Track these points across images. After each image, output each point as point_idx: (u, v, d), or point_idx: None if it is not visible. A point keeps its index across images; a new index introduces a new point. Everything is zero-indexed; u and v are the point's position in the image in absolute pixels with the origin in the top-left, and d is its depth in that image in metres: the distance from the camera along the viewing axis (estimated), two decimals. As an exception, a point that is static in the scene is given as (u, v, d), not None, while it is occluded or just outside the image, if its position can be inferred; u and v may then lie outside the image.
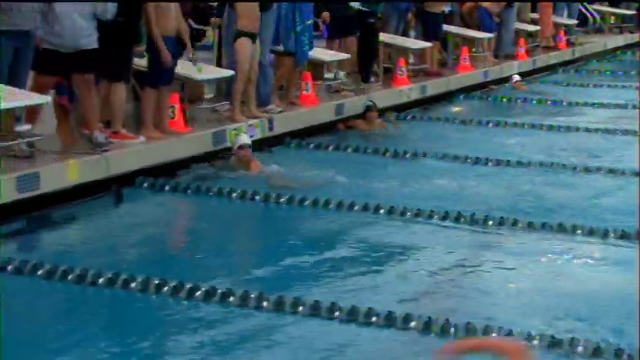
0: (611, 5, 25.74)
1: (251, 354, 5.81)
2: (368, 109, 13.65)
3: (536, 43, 21.20)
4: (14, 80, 9.36)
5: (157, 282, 6.94)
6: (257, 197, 9.69)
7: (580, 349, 6.02)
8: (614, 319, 6.81)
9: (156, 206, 9.74)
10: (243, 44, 11.81)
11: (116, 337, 6.28)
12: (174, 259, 8.07)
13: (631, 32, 25.98)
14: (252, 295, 6.72)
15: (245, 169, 10.70)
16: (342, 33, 14.86)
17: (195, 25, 13.83)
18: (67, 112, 10.25)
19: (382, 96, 14.71)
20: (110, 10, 9.70)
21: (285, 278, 7.44)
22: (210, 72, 12.12)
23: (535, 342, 6.03)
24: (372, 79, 15.36)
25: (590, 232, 8.72)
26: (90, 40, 9.69)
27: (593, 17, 25.06)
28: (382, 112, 14.08)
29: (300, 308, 6.63)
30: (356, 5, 14.56)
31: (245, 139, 10.86)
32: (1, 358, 4.84)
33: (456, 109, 16.70)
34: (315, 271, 7.75)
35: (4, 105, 8.92)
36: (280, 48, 13.02)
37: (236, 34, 11.83)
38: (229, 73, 11.91)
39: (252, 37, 11.84)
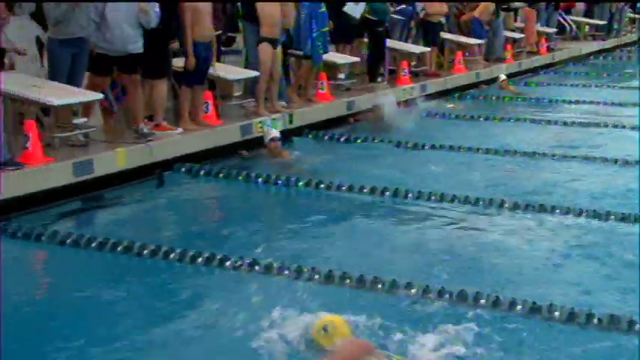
0: (585, 16, 25.57)
1: (270, 313, 5.71)
2: (374, 108, 13.70)
3: (521, 49, 21.09)
4: (72, 81, 9.58)
5: (192, 253, 7.00)
6: (279, 181, 9.69)
7: (557, 314, 5.98)
8: (589, 283, 6.80)
9: (192, 189, 9.73)
10: (265, 48, 11.84)
11: (157, 301, 6.34)
12: (208, 233, 8.08)
13: (603, 40, 25.88)
14: (275, 265, 6.77)
15: (276, 157, 10.81)
16: (344, 40, 14.85)
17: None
18: (111, 111, 10.34)
19: (388, 94, 14.58)
20: (153, 20, 9.75)
21: (303, 249, 7.46)
22: (238, 72, 12.17)
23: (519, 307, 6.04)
24: (379, 79, 15.37)
25: (567, 211, 8.68)
26: (136, 45, 9.79)
27: (570, 26, 24.96)
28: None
29: (317, 277, 6.65)
30: (355, 14, 14.51)
31: (275, 133, 10.96)
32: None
33: (450, 105, 16.67)
34: (329, 242, 7.78)
35: (65, 102, 9.05)
36: (299, 52, 13.05)
37: (259, 40, 11.85)
38: (254, 73, 11.94)
39: (273, 42, 11.86)
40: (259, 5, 11.86)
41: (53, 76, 9.53)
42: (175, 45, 10.64)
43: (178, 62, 10.80)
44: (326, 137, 12.44)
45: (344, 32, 14.69)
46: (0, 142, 8.29)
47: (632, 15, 28.42)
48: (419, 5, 16.72)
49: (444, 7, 17.29)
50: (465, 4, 18.79)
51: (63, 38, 9.38)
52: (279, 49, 12.09)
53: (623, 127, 13.69)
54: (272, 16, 11.85)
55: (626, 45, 26.25)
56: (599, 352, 5.55)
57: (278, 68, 12.12)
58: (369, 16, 14.97)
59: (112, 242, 7.28)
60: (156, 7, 9.76)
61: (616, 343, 5.63)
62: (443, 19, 17.40)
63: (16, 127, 8.76)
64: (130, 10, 9.67)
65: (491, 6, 18.92)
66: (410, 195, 9.21)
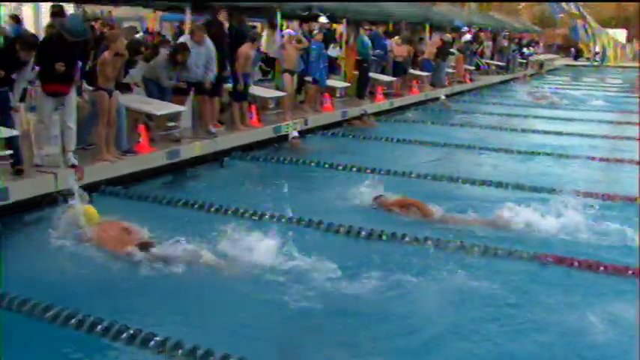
0: (492, 59, 25.79)
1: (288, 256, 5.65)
2: (363, 115, 13.77)
3: (454, 79, 21.07)
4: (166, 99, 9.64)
5: (241, 210, 7.08)
6: (299, 162, 9.83)
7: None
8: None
9: (243, 169, 9.71)
10: (287, 77, 12.01)
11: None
12: (254, 196, 7.66)
13: (504, 74, 26.02)
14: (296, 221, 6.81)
15: (296, 148, 10.86)
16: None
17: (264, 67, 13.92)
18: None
19: (369, 107, 14.73)
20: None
21: (318, 208, 7.31)
22: (272, 92, 12.29)
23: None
24: (365, 97, 15.43)
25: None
26: (205, 77, 9.85)
27: (485, 65, 25.12)
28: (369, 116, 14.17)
29: (321, 225, 6.67)
30: (333, 54, 14.44)
31: (295, 133, 11.11)
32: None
33: (443, 97, 17.49)
34: (331, 206, 7.60)
35: (163, 112, 9.22)
36: (309, 79, 13.15)
37: (283, 71, 12.04)
38: (281, 93, 12.10)
39: (292, 72, 12.02)
40: (284, 49, 12.09)
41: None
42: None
43: (228, 86, 10.82)
44: (329, 134, 12.53)
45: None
46: (124, 138, 8.53)
47: (520, 60, 28.79)
48: (388, 49, 16.76)
49: (404, 51, 17.28)
50: (417, 48, 18.80)
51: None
52: (295, 77, 12.26)
53: (516, 128, 14.00)
54: (291, 55, 12.03)
55: (516, 77, 26.36)
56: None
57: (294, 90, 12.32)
58: (358, 57, 15.11)
59: (191, 202, 7.35)
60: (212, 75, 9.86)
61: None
62: (402, 59, 17.43)
63: (133, 129, 8.87)
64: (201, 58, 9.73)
65: (434, 52, 19.06)
66: (396, 172, 9.09)
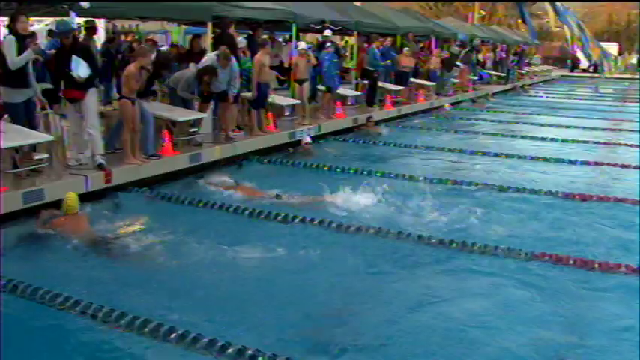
0: (494, 70, 25.68)
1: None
2: (368, 120, 13.68)
3: (458, 88, 20.96)
4: (188, 107, 9.64)
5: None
6: (312, 166, 9.73)
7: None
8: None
9: (259, 171, 9.58)
10: (296, 87, 12.17)
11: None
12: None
13: (504, 84, 25.84)
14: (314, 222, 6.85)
15: (308, 152, 10.77)
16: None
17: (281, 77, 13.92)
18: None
19: (379, 114, 14.67)
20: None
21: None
22: (287, 100, 12.26)
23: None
24: (374, 105, 15.37)
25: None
26: (228, 91, 9.80)
27: (488, 75, 24.99)
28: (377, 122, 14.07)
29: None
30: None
31: (308, 139, 11.02)
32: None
33: (447, 106, 17.56)
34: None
35: (184, 119, 9.21)
36: (322, 87, 13.08)
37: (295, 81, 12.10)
38: (296, 101, 12.06)
39: (301, 82, 12.08)
40: (294, 61, 12.22)
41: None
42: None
43: (247, 94, 10.70)
44: (340, 140, 12.44)
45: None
46: (150, 143, 8.51)
47: (519, 70, 28.75)
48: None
49: (411, 62, 17.24)
50: (424, 59, 18.71)
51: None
52: (305, 84, 12.19)
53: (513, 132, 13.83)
54: (299, 66, 12.04)
55: (515, 87, 26.22)
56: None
57: (305, 97, 12.26)
58: (368, 67, 15.06)
59: (211, 202, 7.34)
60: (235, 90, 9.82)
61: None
62: (409, 69, 17.37)
63: (157, 134, 8.85)
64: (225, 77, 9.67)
65: (438, 62, 19.01)
66: (399, 176, 9.09)
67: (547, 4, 25.55)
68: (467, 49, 21.85)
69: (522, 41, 31.39)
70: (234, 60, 9.74)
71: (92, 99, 7.65)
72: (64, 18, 7.66)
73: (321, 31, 13.79)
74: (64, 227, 5.98)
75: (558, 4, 24.90)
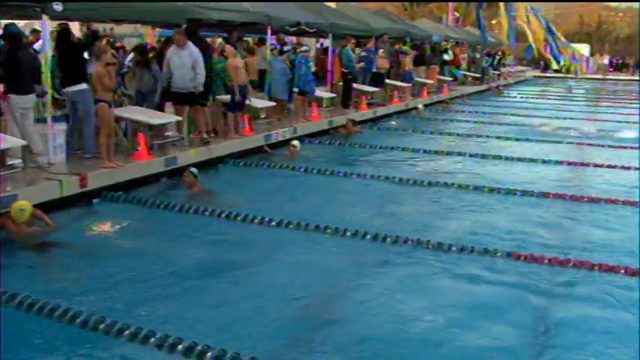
0: (468, 71, 25.88)
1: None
2: (350, 121, 13.68)
3: (431, 89, 21.06)
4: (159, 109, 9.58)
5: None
6: (286, 168, 9.73)
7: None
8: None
9: (235, 173, 9.53)
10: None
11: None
12: (247, 196, 7.80)
13: (479, 84, 26.00)
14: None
15: (291, 154, 10.78)
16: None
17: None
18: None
19: (354, 116, 14.57)
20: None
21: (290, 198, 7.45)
22: (263, 103, 12.23)
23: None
24: (350, 107, 15.35)
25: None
26: (195, 81, 9.56)
27: (463, 76, 25.11)
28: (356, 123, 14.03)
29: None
30: None
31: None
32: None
33: (421, 107, 17.52)
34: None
35: (159, 122, 9.14)
36: (296, 90, 13.06)
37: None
38: (272, 103, 12.03)
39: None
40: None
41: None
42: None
43: (223, 98, 10.68)
44: (316, 142, 12.40)
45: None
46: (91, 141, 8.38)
47: (493, 71, 29.01)
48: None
49: (386, 64, 17.31)
50: (398, 61, 18.81)
51: None
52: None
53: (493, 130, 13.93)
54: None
55: (489, 88, 26.33)
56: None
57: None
58: (343, 69, 15.09)
59: (187, 205, 7.32)
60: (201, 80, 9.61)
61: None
62: (384, 71, 17.42)
63: (133, 137, 8.78)
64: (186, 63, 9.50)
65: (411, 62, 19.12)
66: (379, 176, 9.15)
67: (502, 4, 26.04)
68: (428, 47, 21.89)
69: (497, 42, 31.76)
70: (193, 46, 9.46)
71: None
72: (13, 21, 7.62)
73: (297, 34, 13.78)
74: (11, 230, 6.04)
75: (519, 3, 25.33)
